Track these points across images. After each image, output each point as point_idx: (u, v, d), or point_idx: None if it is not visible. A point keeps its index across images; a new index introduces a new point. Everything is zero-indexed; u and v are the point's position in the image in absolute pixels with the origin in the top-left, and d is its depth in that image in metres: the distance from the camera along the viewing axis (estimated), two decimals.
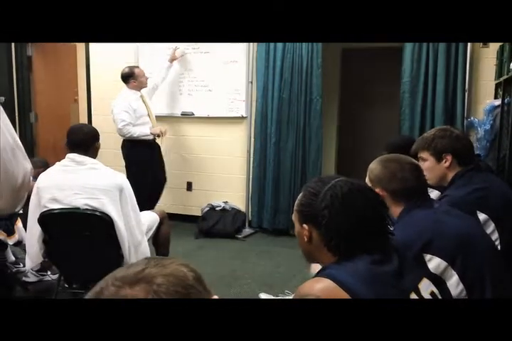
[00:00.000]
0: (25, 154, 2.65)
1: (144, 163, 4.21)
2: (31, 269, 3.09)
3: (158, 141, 4.32)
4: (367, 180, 1.73)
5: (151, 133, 4.20)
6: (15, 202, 2.35)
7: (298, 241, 1.28)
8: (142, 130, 4.17)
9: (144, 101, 4.26)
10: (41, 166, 3.39)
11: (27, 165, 2.63)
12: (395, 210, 1.64)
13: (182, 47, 4.63)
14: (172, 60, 4.59)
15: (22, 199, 2.42)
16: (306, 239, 1.23)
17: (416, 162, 1.71)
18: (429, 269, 1.42)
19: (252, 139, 4.59)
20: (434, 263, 1.43)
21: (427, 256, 1.45)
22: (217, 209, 4.60)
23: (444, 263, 1.43)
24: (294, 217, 1.28)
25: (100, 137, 2.65)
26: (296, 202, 1.27)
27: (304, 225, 1.23)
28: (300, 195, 1.27)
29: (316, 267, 1.63)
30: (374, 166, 1.69)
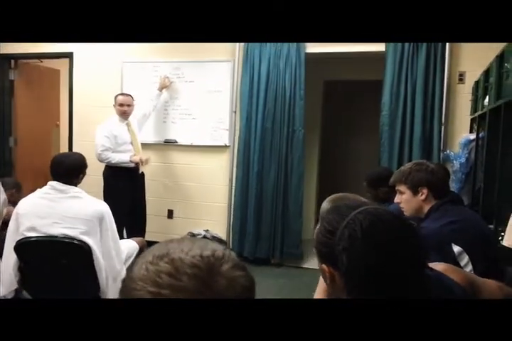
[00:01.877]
0: (0, 186, 2.66)
1: (123, 191, 4.17)
2: (5, 297, 3.02)
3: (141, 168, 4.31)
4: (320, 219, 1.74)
5: (131, 161, 4.18)
6: None
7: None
8: (122, 157, 4.15)
9: (129, 129, 4.26)
10: (13, 187, 3.34)
11: (0, 195, 2.63)
12: None
13: (168, 75, 4.70)
14: (162, 88, 4.65)
15: None
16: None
17: (365, 201, 1.73)
18: None
19: (235, 168, 4.62)
20: None
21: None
22: (198, 237, 4.58)
23: None
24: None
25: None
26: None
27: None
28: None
29: (320, 288, 1.60)
30: (324, 205, 1.71)
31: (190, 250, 0.66)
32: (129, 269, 0.67)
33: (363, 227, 0.96)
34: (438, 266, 1.21)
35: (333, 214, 1.03)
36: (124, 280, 0.67)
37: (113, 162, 4.13)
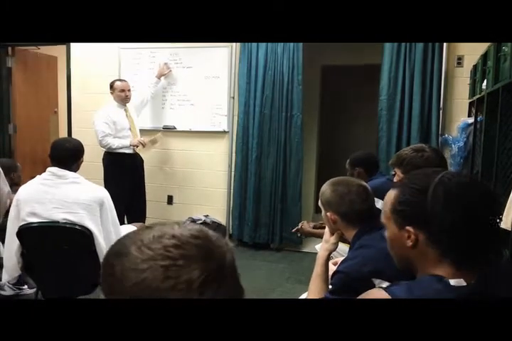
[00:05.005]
0: (4, 177, 2.71)
1: (123, 177, 4.21)
2: (8, 282, 3.06)
3: (138, 151, 4.30)
4: (319, 203, 1.79)
5: (131, 145, 4.20)
6: None
7: (390, 247, 1.10)
8: (122, 142, 4.18)
9: (127, 115, 4.27)
10: (12, 170, 3.31)
11: (4, 188, 2.69)
12: (349, 234, 1.71)
13: (166, 61, 4.68)
14: (160, 75, 4.64)
15: None
16: (409, 244, 1.02)
17: (364, 184, 1.77)
18: None
19: (234, 154, 4.63)
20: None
21: (377, 280, 1.45)
22: (198, 222, 4.61)
23: None
24: (388, 219, 1.08)
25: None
26: (390, 201, 1.07)
27: (408, 227, 1.02)
28: (394, 193, 1.07)
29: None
30: (324, 189, 1.76)
31: (180, 228, 0.71)
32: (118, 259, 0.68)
33: (457, 185, 0.99)
34: None
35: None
36: (121, 273, 0.66)
37: (113, 147, 4.16)
